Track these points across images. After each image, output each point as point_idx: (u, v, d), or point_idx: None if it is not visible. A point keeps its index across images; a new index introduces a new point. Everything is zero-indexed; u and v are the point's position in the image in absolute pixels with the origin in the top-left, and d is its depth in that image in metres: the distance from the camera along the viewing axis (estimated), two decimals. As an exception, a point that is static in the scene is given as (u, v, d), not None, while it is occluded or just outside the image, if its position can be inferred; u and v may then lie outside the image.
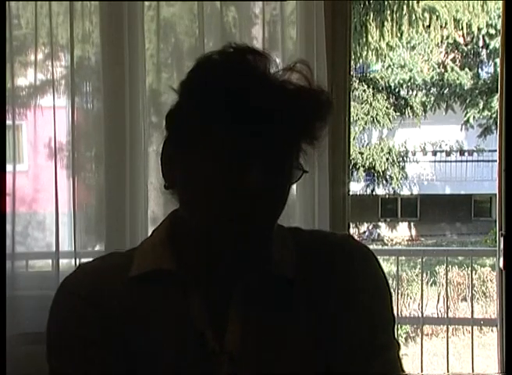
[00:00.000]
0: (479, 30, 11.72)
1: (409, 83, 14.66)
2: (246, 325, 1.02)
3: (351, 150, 2.69)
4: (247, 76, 0.98)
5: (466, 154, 16.03)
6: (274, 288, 1.04)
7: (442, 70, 14.58)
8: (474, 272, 5.77)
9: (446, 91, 14.70)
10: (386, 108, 14.49)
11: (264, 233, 1.02)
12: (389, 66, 14.25)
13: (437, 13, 10.50)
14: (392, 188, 15.23)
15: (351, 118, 2.57)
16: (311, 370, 1.03)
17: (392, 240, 15.94)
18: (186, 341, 1.01)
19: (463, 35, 13.08)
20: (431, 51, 13.96)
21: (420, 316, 4.83)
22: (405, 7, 10.01)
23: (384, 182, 15.12)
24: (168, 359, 1.01)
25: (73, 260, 2.32)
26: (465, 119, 14.38)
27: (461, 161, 16.05)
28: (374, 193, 15.41)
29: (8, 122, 2.28)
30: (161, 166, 1.05)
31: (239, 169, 0.96)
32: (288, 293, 1.04)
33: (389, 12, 9.93)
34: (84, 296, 1.05)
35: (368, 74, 14.59)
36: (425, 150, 16.08)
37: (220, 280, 1.04)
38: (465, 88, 14.37)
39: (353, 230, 14.12)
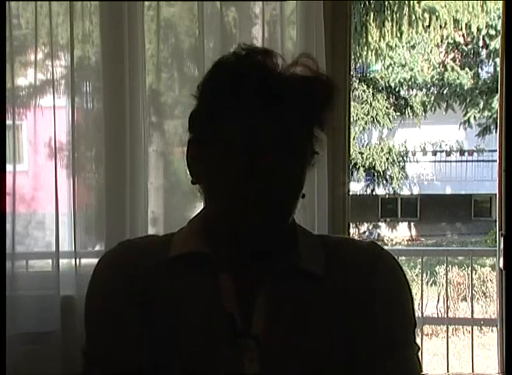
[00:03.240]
0: (479, 30, 11.72)
1: (409, 83, 14.66)
2: (272, 312, 1.07)
3: (351, 150, 2.69)
4: (257, 74, 1.05)
5: (466, 154, 16.04)
6: (300, 281, 1.10)
7: (442, 70, 14.58)
8: (474, 272, 5.77)
9: (446, 91, 14.70)
10: (386, 108, 14.49)
11: (287, 217, 1.09)
12: (390, 65, 14.24)
13: (437, 13, 10.50)
14: (393, 188, 15.23)
15: (351, 118, 2.57)
16: (333, 360, 1.07)
17: (392, 240, 15.93)
18: (214, 320, 1.07)
19: (463, 35, 13.08)
20: (431, 51, 13.95)
21: (420, 316, 4.83)
22: (405, 7, 10.01)
23: (384, 182, 15.12)
24: (195, 337, 1.06)
25: (73, 260, 2.32)
26: (465, 118, 14.38)
27: (461, 161, 16.06)
28: (374, 193, 15.41)
29: (8, 122, 2.28)
30: (187, 164, 1.13)
31: (257, 158, 1.03)
32: (314, 287, 1.10)
33: (389, 12, 9.93)
34: (123, 268, 1.11)
35: (367, 74, 14.59)
36: (425, 150, 16.08)
37: (250, 268, 1.10)
38: (465, 88, 14.37)
39: (353, 230, 14.12)
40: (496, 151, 2.85)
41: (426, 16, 10.36)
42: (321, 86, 1.08)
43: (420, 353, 1.13)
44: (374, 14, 9.97)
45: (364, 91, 14.29)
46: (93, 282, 1.13)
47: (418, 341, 4.43)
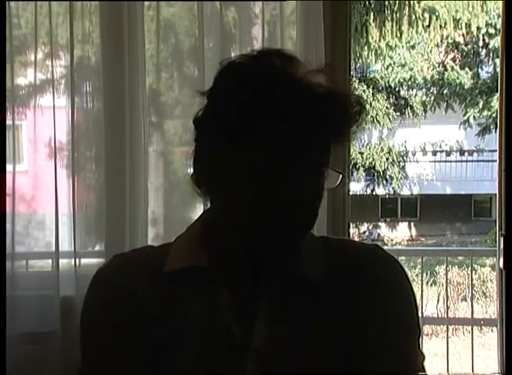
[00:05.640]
0: (478, 29, 11.73)
1: (409, 83, 14.66)
2: (273, 324, 1.04)
3: (351, 150, 2.69)
4: (274, 79, 0.98)
5: (466, 154, 16.04)
6: (302, 290, 1.06)
7: (442, 70, 14.59)
8: (474, 272, 5.76)
9: (446, 91, 14.71)
10: (386, 108, 14.49)
11: (301, 238, 1.04)
12: (390, 64, 14.25)
13: (437, 13, 10.50)
14: (393, 188, 15.24)
15: (351, 118, 2.57)
16: (337, 369, 1.05)
17: (392, 240, 15.94)
18: (213, 335, 1.04)
19: (463, 35, 13.09)
20: (430, 51, 13.96)
21: (420, 316, 4.83)
22: (405, 7, 10.01)
23: (384, 182, 15.13)
24: (194, 352, 1.03)
25: (73, 260, 2.32)
26: (465, 118, 14.39)
27: (461, 161, 16.07)
28: (374, 193, 15.41)
29: (8, 122, 2.28)
30: (193, 170, 1.06)
31: (274, 173, 0.98)
32: (316, 295, 1.06)
33: (389, 12, 9.93)
34: (118, 284, 1.07)
35: (367, 74, 14.59)
36: (425, 150, 16.09)
37: (250, 279, 1.06)
38: (465, 88, 14.38)
39: (353, 230, 14.13)
40: (496, 151, 2.85)
41: (426, 15, 10.35)
42: (344, 100, 1.01)
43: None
44: (374, 14, 9.96)
45: (364, 91, 14.28)
46: (87, 299, 1.10)
47: (418, 340, 4.41)
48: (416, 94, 15.06)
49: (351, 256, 1.10)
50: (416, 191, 16.22)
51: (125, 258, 1.13)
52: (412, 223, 16.91)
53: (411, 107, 14.90)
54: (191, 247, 1.09)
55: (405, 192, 15.99)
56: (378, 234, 16.27)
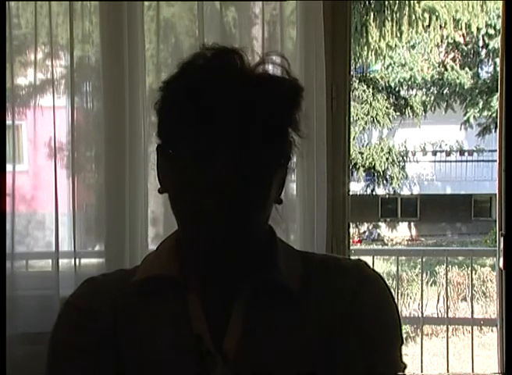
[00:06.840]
0: (478, 30, 11.73)
1: (409, 83, 14.67)
2: (245, 330, 1.02)
3: (351, 150, 2.69)
4: (214, 74, 1.00)
5: (466, 154, 16.05)
6: (277, 297, 1.04)
7: (442, 70, 14.60)
8: (474, 272, 5.77)
9: (446, 91, 14.72)
10: (386, 108, 14.50)
11: (251, 230, 1.02)
12: (390, 65, 14.26)
13: (437, 13, 10.51)
14: (393, 188, 15.24)
15: (351, 118, 2.57)
16: None
17: (392, 240, 15.94)
18: (182, 343, 1.02)
19: (463, 35, 13.10)
20: (430, 51, 13.97)
21: (420, 316, 4.83)
22: (405, 7, 10.02)
23: (384, 182, 15.13)
24: (164, 359, 1.02)
25: (73, 260, 2.32)
26: (465, 118, 14.40)
27: (461, 161, 16.07)
28: (374, 193, 15.42)
29: (8, 122, 2.28)
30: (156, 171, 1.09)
31: (213, 169, 0.97)
32: (290, 303, 1.04)
33: (389, 12, 9.93)
34: (81, 306, 1.08)
35: (367, 74, 14.60)
36: (425, 150, 16.09)
37: (222, 284, 1.05)
38: (465, 88, 14.39)
39: (353, 230, 14.12)
40: (496, 151, 2.85)
41: (426, 15, 10.36)
42: (284, 86, 1.01)
43: (406, 370, 1.08)
44: (374, 14, 9.97)
45: (364, 91, 14.29)
46: (55, 326, 1.11)
47: (418, 340, 4.41)
48: (416, 94, 15.06)
49: (332, 270, 1.08)
50: (416, 191, 16.22)
51: (93, 281, 1.12)
52: (412, 223, 16.92)
53: (411, 107, 14.90)
54: (160, 258, 1.08)
55: (405, 192, 16.00)
56: (378, 234, 16.27)
